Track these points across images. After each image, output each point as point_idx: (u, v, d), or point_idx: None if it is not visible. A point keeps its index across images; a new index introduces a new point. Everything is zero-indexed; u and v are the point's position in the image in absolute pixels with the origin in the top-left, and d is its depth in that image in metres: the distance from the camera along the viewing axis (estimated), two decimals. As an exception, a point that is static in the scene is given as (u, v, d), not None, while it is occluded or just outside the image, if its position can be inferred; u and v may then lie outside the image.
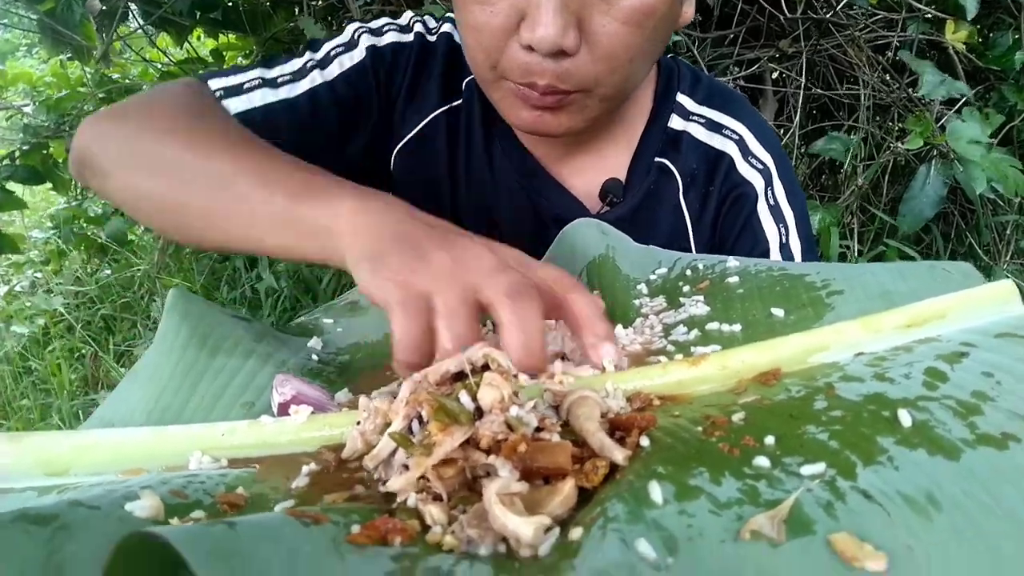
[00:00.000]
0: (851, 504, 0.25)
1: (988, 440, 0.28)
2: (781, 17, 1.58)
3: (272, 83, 0.68)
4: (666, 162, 0.74)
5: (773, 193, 0.72)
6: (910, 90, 1.66)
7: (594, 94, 0.61)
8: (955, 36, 1.48)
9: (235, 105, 0.66)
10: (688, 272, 0.55)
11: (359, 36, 0.73)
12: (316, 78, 0.70)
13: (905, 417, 0.30)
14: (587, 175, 0.74)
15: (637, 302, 0.52)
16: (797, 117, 1.62)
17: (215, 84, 0.67)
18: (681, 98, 0.76)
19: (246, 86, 0.68)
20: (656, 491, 0.26)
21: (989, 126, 1.41)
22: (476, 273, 0.40)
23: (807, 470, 0.27)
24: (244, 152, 0.52)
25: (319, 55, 0.71)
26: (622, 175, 0.74)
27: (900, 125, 1.70)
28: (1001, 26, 1.70)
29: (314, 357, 0.50)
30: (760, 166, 0.73)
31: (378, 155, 0.75)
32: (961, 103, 1.54)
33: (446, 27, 0.76)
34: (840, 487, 0.26)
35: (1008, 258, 1.81)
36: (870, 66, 1.67)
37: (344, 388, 0.44)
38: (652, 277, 0.56)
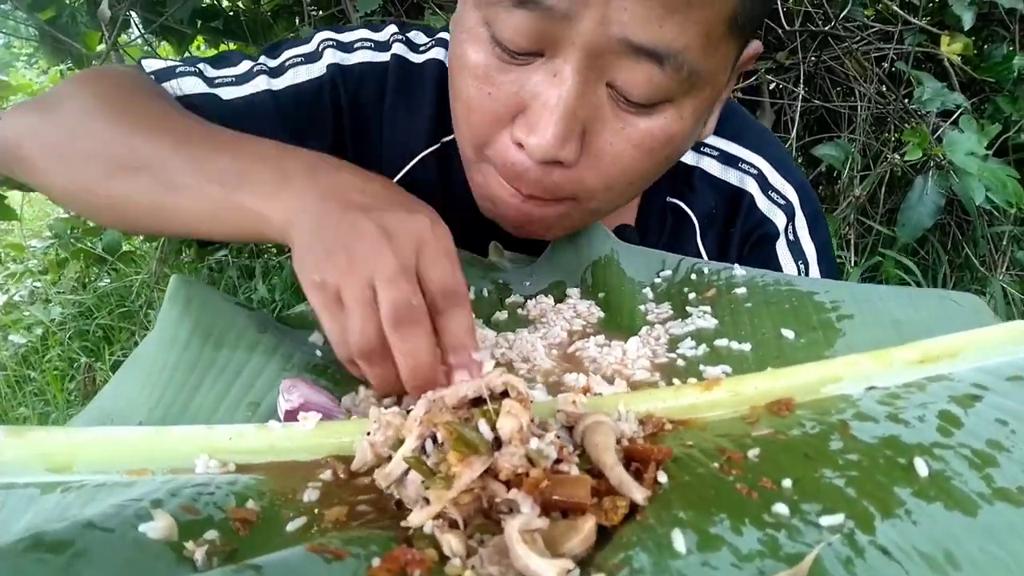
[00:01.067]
0: (870, 560, 0.26)
1: (1005, 495, 0.28)
2: (779, 30, 1.56)
3: (209, 81, 0.62)
4: (679, 203, 0.69)
5: (794, 229, 0.68)
6: (906, 101, 1.67)
7: (579, 207, 0.55)
8: (951, 48, 1.49)
9: None
10: (693, 276, 0.55)
11: (324, 49, 0.65)
12: (260, 84, 0.63)
13: (922, 466, 0.30)
14: None
15: (643, 307, 0.52)
16: (794, 129, 1.62)
17: (149, 66, 0.62)
18: None
19: (178, 71, 0.62)
20: (680, 541, 0.26)
21: (985, 136, 1.42)
22: (372, 270, 0.40)
23: (826, 521, 0.28)
24: (172, 136, 0.51)
25: (274, 62, 0.64)
26: (631, 217, 0.68)
27: (896, 136, 1.71)
28: (996, 38, 1.71)
29: (317, 352, 0.49)
30: (782, 201, 0.68)
31: None
32: (957, 114, 1.55)
33: (436, 51, 0.67)
34: (859, 541, 0.27)
35: (1004, 269, 1.84)
36: (866, 78, 1.66)
37: (351, 392, 0.44)
38: (657, 280, 0.56)
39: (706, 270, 0.55)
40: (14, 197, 1.79)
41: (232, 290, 2.08)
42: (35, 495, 0.36)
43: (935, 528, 0.27)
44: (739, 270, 0.54)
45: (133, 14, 1.62)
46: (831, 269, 0.69)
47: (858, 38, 1.63)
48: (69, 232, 2.21)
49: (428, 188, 0.65)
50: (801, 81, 1.60)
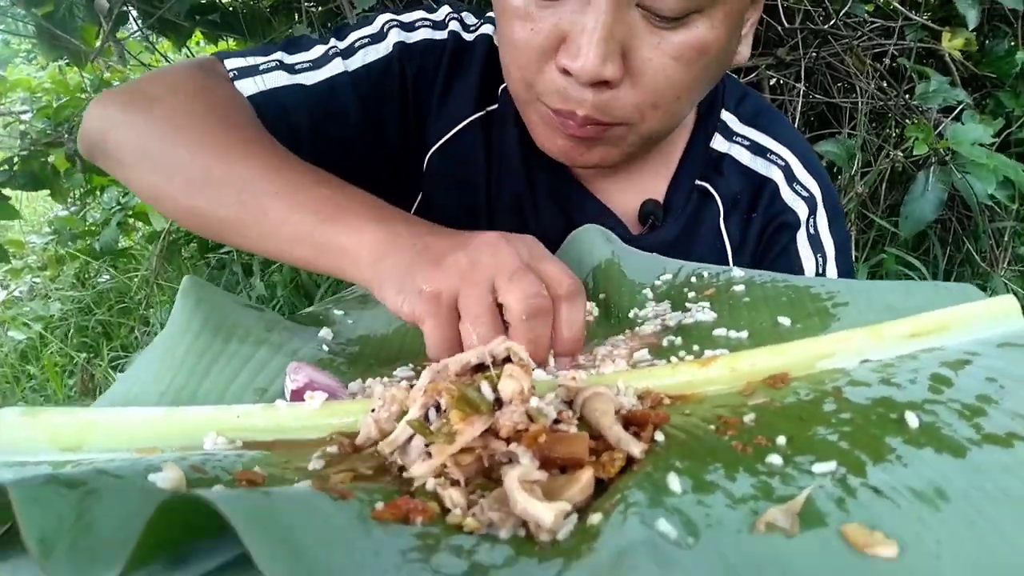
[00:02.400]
0: (861, 499, 0.26)
1: (994, 439, 0.29)
2: (779, 27, 1.59)
3: (290, 68, 0.66)
4: (707, 186, 0.72)
5: (815, 222, 0.70)
6: (907, 97, 1.68)
7: (635, 129, 0.58)
8: (952, 44, 1.50)
9: (247, 87, 0.64)
10: (693, 279, 0.56)
11: (388, 29, 0.70)
12: (337, 67, 0.67)
13: (912, 419, 0.31)
14: (625, 193, 0.71)
15: (645, 309, 0.53)
16: (795, 125, 1.63)
17: (230, 64, 0.65)
18: (725, 115, 0.73)
19: (262, 67, 0.65)
20: (675, 482, 0.27)
21: (990, 128, 1.42)
22: (493, 270, 0.42)
23: (819, 468, 0.28)
24: (267, 162, 0.53)
25: (343, 44, 0.68)
26: (660, 194, 0.72)
27: (897, 132, 1.71)
28: (998, 33, 1.71)
29: (324, 347, 0.50)
30: (806, 194, 0.71)
31: (408, 154, 0.72)
32: (959, 110, 1.55)
33: (486, 28, 0.72)
34: (851, 483, 0.27)
35: (1006, 264, 1.83)
36: (867, 74, 1.68)
37: (357, 380, 0.45)
38: (657, 283, 0.57)
39: (706, 274, 0.56)
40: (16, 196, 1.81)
41: (233, 287, 2.08)
42: (47, 471, 0.37)
43: (925, 469, 0.28)
44: (737, 271, 0.55)
45: (133, 10, 1.66)
46: (848, 266, 0.71)
47: (858, 34, 1.64)
48: (68, 230, 2.22)
49: (473, 149, 0.71)
50: (802, 77, 1.61)
